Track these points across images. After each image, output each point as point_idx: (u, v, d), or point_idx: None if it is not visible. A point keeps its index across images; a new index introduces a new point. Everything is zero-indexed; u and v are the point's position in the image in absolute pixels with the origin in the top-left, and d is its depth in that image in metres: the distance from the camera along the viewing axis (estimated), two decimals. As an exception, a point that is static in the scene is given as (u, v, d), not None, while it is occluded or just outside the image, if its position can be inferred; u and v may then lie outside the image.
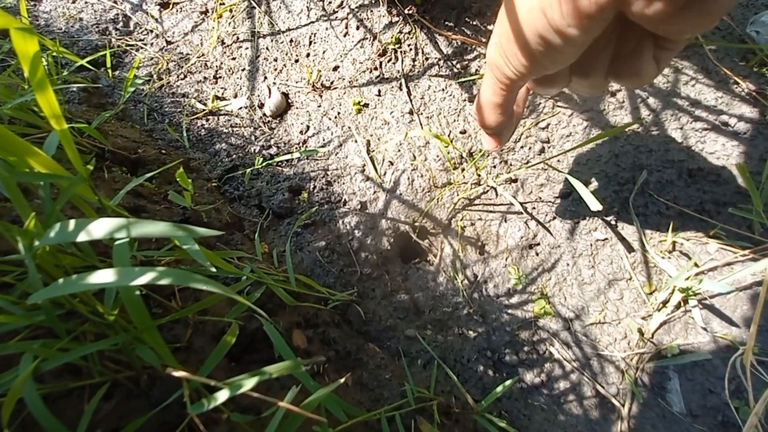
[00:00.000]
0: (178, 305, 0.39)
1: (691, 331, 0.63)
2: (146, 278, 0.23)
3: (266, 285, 0.46)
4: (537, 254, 0.71)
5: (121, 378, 0.31)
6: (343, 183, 0.77)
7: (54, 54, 0.63)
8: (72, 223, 0.23)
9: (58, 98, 0.65)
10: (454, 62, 0.79)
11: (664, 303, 0.63)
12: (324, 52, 0.88)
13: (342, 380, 0.31)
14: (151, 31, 0.99)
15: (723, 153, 0.68)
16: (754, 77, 0.71)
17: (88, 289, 0.22)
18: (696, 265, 0.63)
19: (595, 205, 0.51)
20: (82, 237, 0.23)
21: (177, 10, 1.00)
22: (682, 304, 0.62)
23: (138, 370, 0.31)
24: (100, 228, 0.23)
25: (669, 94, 0.72)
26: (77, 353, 0.25)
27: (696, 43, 0.74)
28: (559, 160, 0.73)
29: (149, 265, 0.43)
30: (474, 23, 0.83)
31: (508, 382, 0.54)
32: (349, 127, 0.80)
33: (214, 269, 0.26)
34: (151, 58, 0.94)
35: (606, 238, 0.68)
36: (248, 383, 0.24)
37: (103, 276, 0.23)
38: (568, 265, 0.69)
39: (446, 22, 0.81)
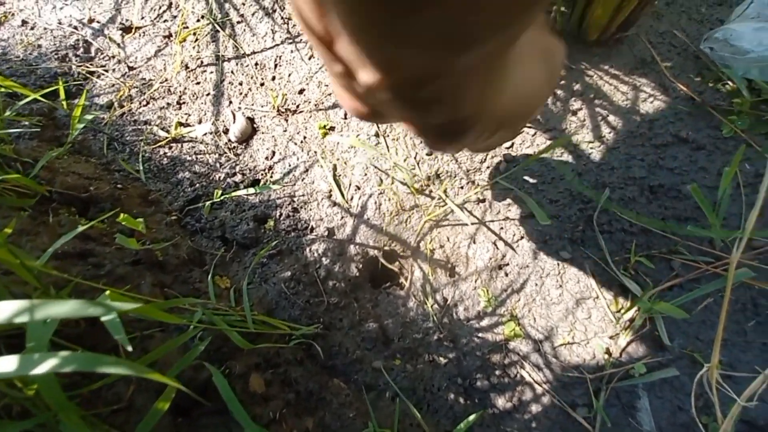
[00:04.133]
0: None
1: (658, 348, 0.63)
2: (48, 366, 0.21)
3: (219, 330, 0.44)
4: (506, 275, 0.70)
5: (45, 455, 0.29)
6: (310, 209, 0.76)
7: (0, 89, 0.61)
8: (-36, 310, 0.22)
9: (3, 137, 0.63)
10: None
11: (631, 321, 0.63)
12: (289, 75, 0.87)
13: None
14: (113, 57, 0.97)
15: (683, 168, 0.69)
16: (709, 93, 0.73)
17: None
18: (659, 282, 0.63)
19: (543, 218, 0.51)
20: (-23, 324, 0.22)
21: (140, 35, 0.98)
22: (647, 322, 0.63)
23: (65, 446, 0.29)
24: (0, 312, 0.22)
25: (628, 111, 0.73)
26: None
27: (652, 62, 0.75)
28: (525, 178, 0.73)
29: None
30: (437, 44, 0.83)
31: (471, 417, 0.53)
32: (315, 152, 0.79)
33: (128, 343, 0.25)
34: (113, 85, 0.92)
35: (572, 257, 0.68)
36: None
37: (3, 364, 0.21)
38: (536, 285, 0.69)
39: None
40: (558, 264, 0.69)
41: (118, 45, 0.97)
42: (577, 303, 0.66)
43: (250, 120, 0.85)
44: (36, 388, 0.28)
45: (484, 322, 0.68)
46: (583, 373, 0.62)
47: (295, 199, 0.76)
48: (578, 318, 0.66)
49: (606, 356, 0.63)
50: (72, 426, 0.26)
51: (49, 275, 0.36)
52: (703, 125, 0.71)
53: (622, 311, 0.64)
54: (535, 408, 0.62)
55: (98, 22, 1.00)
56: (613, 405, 0.62)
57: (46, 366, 0.21)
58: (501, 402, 0.63)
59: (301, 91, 0.85)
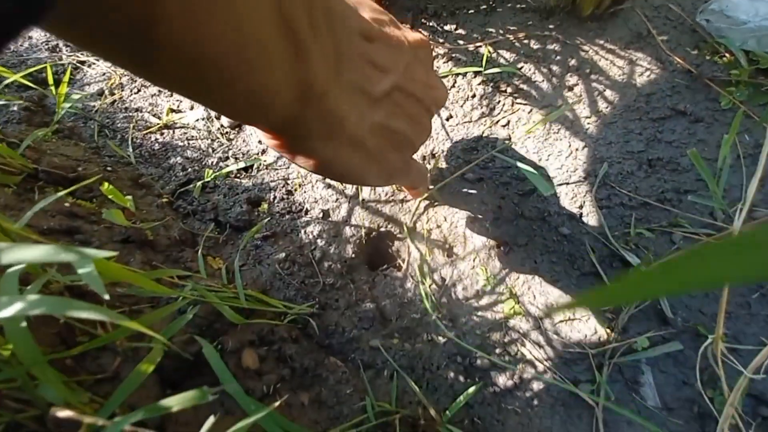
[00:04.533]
0: (106, 332, 0.36)
1: (661, 322, 0.62)
2: (15, 309, 0.20)
3: (209, 304, 0.43)
4: (505, 253, 0.69)
5: (22, 418, 0.28)
6: (305, 192, 0.74)
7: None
8: (-71, 249, 0.20)
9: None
10: (412, 64, 0.78)
11: (632, 295, 0.62)
12: (281, 60, 0.86)
13: (277, 403, 0.28)
14: (104, 46, 0.96)
15: (681, 141, 0.68)
16: (706, 65, 0.72)
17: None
18: (660, 256, 0.62)
19: (546, 189, 0.50)
20: (-59, 266, 0.20)
21: (130, 24, 0.97)
22: (649, 295, 0.61)
23: (44, 409, 0.28)
24: (-37, 254, 0.21)
25: (625, 86, 0.72)
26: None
27: (648, 35, 0.74)
28: (521, 158, 0.72)
29: (77, 293, 0.40)
30: (430, 24, 0.82)
31: (471, 389, 0.52)
32: (309, 135, 0.78)
33: (105, 293, 0.24)
34: (104, 74, 0.91)
35: (571, 233, 0.67)
36: (135, 417, 0.22)
37: (-33, 308, 0.20)
38: (535, 262, 0.67)
39: (402, 23, 0.80)
40: (556, 240, 0.68)
41: (109, 34, 0.96)
42: (578, 279, 0.65)
43: (243, 105, 0.84)
44: (11, 349, 0.27)
45: (483, 301, 0.67)
46: (585, 349, 0.61)
47: (289, 181, 0.75)
48: (578, 294, 0.65)
49: (608, 331, 0.61)
50: (48, 383, 0.25)
51: (29, 241, 0.35)
52: (701, 98, 0.70)
53: (623, 285, 0.62)
54: (536, 385, 0.61)
55: (88, 12, 0.99)
56: (616, 380, 0.61)
57: (14, 308, 0.20)
58: (502, 380, 0.61)
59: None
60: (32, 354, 0.23)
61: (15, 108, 0.71)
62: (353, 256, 0.70)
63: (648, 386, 0.62)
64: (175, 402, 0.23)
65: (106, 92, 0.87)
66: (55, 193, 0.53)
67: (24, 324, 0.23)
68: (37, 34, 0.98)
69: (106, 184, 0.44)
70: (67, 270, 0.43)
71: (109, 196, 0.44)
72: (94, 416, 0.21)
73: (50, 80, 0.70)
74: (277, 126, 0.23)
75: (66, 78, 0.68)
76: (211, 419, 0.25)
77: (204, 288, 0.44)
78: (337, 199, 0.73)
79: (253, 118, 0.23)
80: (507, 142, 0.73)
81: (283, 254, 0.65)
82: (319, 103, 0.24)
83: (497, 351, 0.64)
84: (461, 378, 0.61)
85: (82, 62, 0.93)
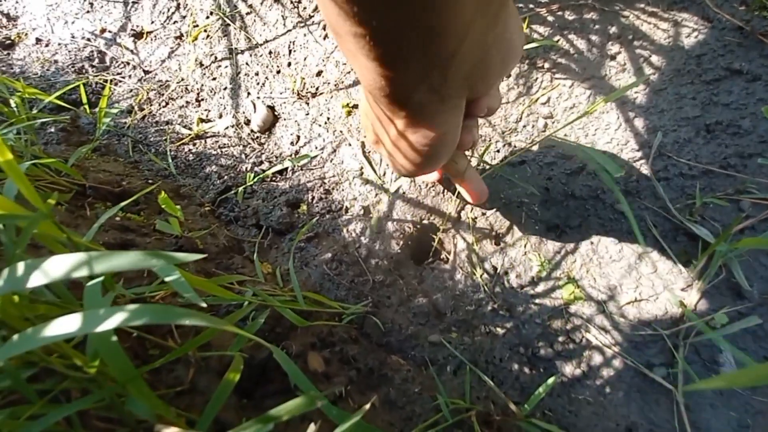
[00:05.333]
0: (177, 343, 0.35)
1: (736, 296, 0.58)
2: (116, 321, 0.19)
3: (272, 308, 0.42)
4: (557, 237, 0.66)
5: (114, 437, 0.27)
6: (343, 189, 0.73)
7: (24, 96, 0.60)
8: (21, 266, 0.19)
9: (32, 139, 0.62)
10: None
11: (704, 270, 0.58)
12: (305, 59, 0.84)
13: (367, 406, 0.26)
14: (128, 63, 0.96)
15: (740, 102, 0.63)
16: (757, 20, 0.67)
17: (47, 342, 0.18)
18: (728, 226, 0.58)
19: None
20: (35, 281, 0.19)
21: (152, 39, 0.97)
22: (722, 269, 0.58)
23: (133, 426, 0.27)
24: (56, 268, 0.19)
25: (672, 49, 0.68)
26: (53, 418, 0.21)
27: (692, -7, 0.69)
28: (565, 135, 0.69)
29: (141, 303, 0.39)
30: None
31: (550, 380, 0.49)
32: (341, 131, 0.77)
33: (200, 300, 0.22)
34: (131, 90, 0.92)
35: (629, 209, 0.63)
36: None
37: (64, 325, 0.19)
38: (592, 243, 0.64)
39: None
40: (612, 218, 0.64)
41: (132, 51, 0.97)
42: (640, 257, 0.62)
43: (271, 108, 0.83)
44: (97, 366, 0.26)
45: (540, 288, 0.64)
46: (657, 330, 0.58)
47: (326, 180, 0.73)
48: (643, 273, 0.61)
49: (680, 310, 0.58)
50: (143, 399, 0.23)
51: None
52: (755, 55, 0.66)
53: (692, 260, 0.59)
54: (606, 372, 0.58)
55: (110, 31, 1.00)
56: (692, 362, 0.57)
57: (114, 320, 0.19)
58: (569, 369, 0.59)
59: (318, 73, 0.83)
60: (127, 370, 0.22)
61: (52, 129, 0.71)
62: (399, 251, 0.68)
63: (728, 365, 0.58)
64: (284, 411, 0.21)
65: (136, 108, 0.88)
66: (103, 207, 0.53)
67: (116, 339, 0.22)
68: (63, 58, 0.99)
69: (163, 194, 0.43)
70: (129, 283, 0.42)
71: (163, 206, 0.43)
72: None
73: (84, 99, 0.71)
74: None
75: (106, 93, 0.68)
76: (313, 427, 0.24)
77: (265, 293, 0.43)
78: (376, 195, 0.71)
79: None
80: (549, 120, 0.70)
81: (329, 254, 0.64)
82: None
83: (560, 339, 0.61)
84: (526, 369, 0.59)
85: (109, 81, 0.94)
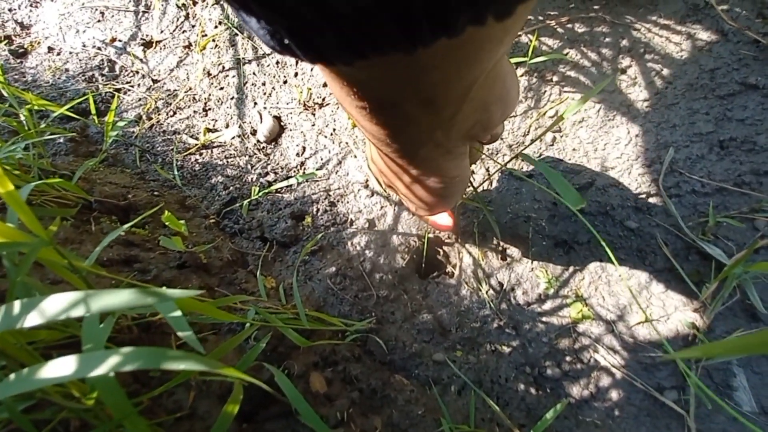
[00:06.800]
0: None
1: (750, 318, 0.56)
2: (110, 364, 0.18)
3: (274, 328, 0.41)
4: (565, 253, 0.65)
5: (111, 469, 0.26)
6: (347, 202, 0.72)
7: (34, 108, 0.61)
8: (17, 305, 0.19)
9: (40, 152, 0.63)
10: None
11: (717, 291, 0.56)
12: (312, 69, 0.84)
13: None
14: (137, 72, 0.97)
15: (755, 118, 0.62)
16: (774, 33, 0.65)
17: (43, 385, 0.18)
18: (742, 246, 0.56)
19: (576, 201, 0.42)
20: (31, 321, 0.19)
21: (161, 48, 0.98)
22: (736, 290, 0.56)
23: (131, 457, 0.26)
24: (52, 307, 0.19)
25: (685, 63, 0.66)
26: (48, 456, 0.21)
27: (705, 6, 0.68)
28: (574, 149, 0.67)
29: (143, 327, 0.39)
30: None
31: (559, 406, 0.48)
32: (347, 143, 0.76)
33: (199, 345, 0.22)
34: (139, 99, 0.92)
35: (639, 227, 0.62)
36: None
37: (60, 368, 0.18)
38: (601, 260, 0.63)
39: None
40: (622, 236, 0.63)
41: (141, 60, 0.98)
42: (651, 276, 0.60)
43: (277, 119, 0.83)
44: (96, 397, 0.25)
45: (547, 305, 0.63)
46: (668, 353, 0.56)
47: (331, 192, 0.73)
48: (654, 293, 0.60)
49: (692, 331, 0.56)
50: (140, 434, 0.23)
51: (99, 280, 0.34)
52: (772, 69, 0.64)
53: (705, 280, 0.57)
54: (615, 394, 0.56)
55: (120, 40, 1.01)
56: (705, 386, 0.55)
57: (108, 365, 0.18)
58: (576, 390, 0.57)
59: (325, 84, 0.83)
60: (123, 407, 0.22)
61: (61, 140, 0.72)
62: (404, 265, 0.67)
63: (742, 390, 0.56)
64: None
65: (144, 117, 0.88)
66: (109, 221, 0.53)
67: (113, 375, 0.22)
68: (73, 66, 1.01)
69: (167, 213, 0.43)
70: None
71: (167, 223, 0.43)
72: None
73: (93, 110, 0.71)
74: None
75: (114, 106, 0.68)
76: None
77: (267, 312, 0.42)
78: (381, 207, 0.71)
79: None
80: (557, 134, 0.69)
81: (333, 268, 0.63)
82: None
83: (568, 359, 0.59)
84: (532, 390, 0.57)
85: (118, 90, 0.95)
